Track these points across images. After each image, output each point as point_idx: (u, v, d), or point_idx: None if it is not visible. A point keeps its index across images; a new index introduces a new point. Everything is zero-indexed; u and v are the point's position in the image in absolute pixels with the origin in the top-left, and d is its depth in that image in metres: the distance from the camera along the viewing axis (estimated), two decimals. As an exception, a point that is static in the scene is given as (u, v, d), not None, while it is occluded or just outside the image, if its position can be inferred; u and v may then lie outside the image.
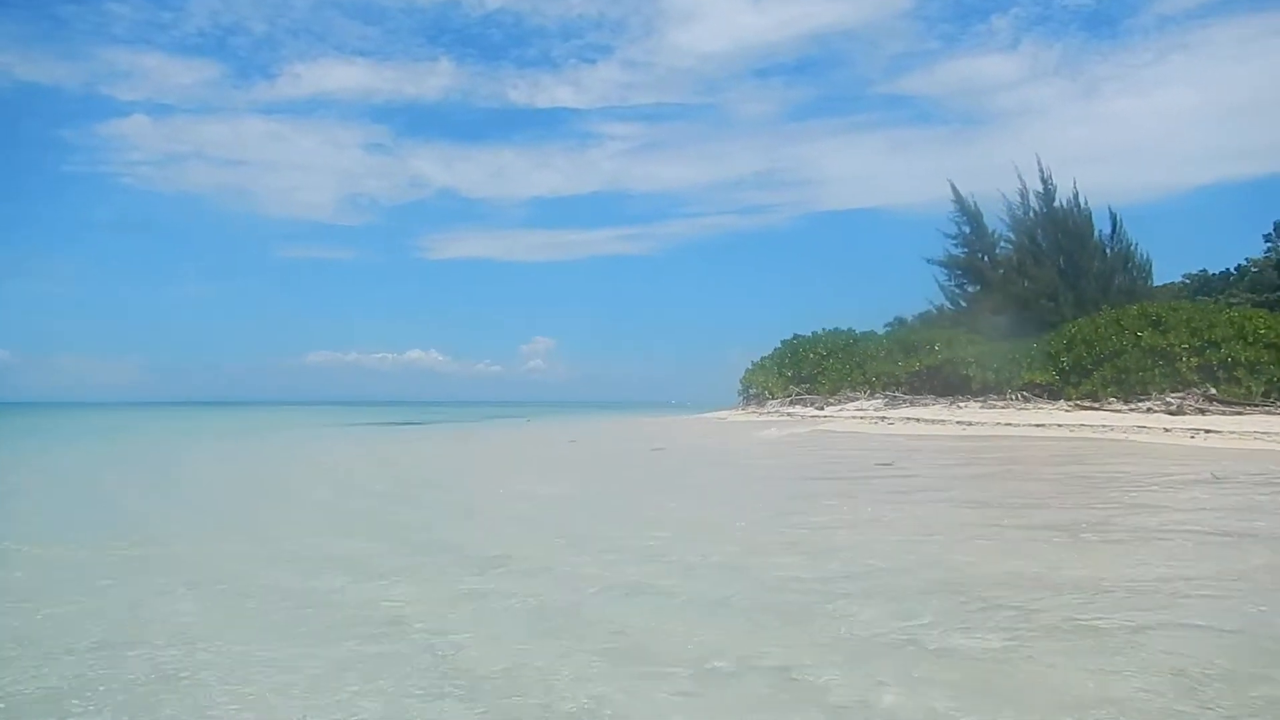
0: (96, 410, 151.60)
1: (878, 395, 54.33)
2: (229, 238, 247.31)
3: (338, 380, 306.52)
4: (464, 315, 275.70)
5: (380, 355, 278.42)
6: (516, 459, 29.32)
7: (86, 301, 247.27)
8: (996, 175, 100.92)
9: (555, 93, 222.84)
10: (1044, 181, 61.30)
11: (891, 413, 47.47)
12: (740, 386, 79.67)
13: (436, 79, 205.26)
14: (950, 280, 68.18)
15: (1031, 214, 62.78)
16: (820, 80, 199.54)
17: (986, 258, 66.69)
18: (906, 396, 51.52)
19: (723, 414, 68.10)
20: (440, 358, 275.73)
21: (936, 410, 45.29)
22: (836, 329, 69.47)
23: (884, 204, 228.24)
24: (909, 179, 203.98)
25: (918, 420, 41.06)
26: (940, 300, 68.63)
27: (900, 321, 74.28)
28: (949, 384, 53.08)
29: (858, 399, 55.10)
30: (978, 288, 66.95)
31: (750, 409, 64.87)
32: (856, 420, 44.99)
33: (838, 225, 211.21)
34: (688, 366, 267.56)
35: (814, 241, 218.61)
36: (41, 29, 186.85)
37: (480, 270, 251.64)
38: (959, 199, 66.48)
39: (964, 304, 66.98)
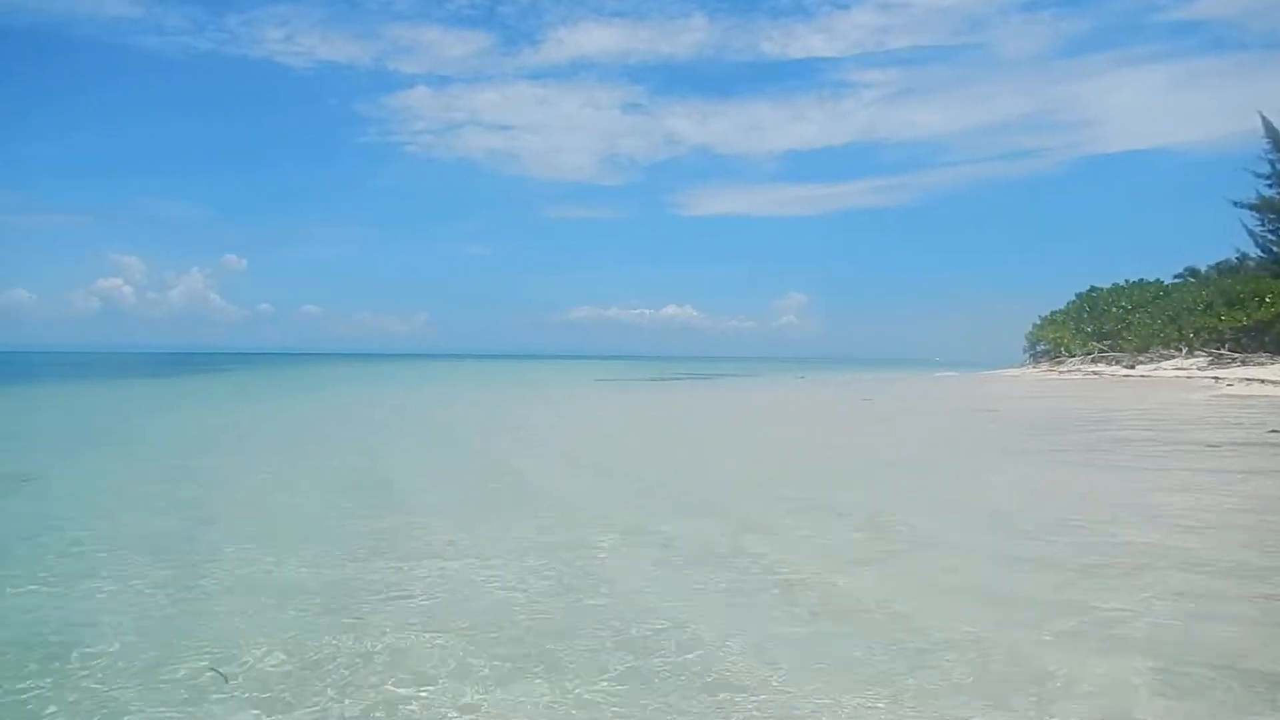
0: (394, 360, 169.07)
1: (1197, 353, 50.52)
2: (500, 199, 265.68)
3: (598, 335, 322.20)
4: (717, 271, 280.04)
5: (639, 311, 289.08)
6: (849, 420, 28.63)
7: (380, 261, 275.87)
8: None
9: (808, 42, 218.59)
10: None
11: (1223, 372, 44.13)
12: (1027, 343, 76.31)
13: (690, 35, 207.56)
14: (1263, 225, 61.28)
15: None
16: (1096, 9, 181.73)
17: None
18: (1236, 354, 47.60)
19: (1013, 371, 65.67)
20: (694, 313, 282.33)
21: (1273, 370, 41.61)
22: (1142, 280, 64.80)
23: (1168, 144, 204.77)
24: (1198, 115, 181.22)
25: (1262, 381, 38.00)
26: (1249, 248, 62.05)
27: (1192, 272, 67.11)
28: (1287, 339, 48.52)
29: (1173, 356, 51.52)
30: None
31: (1044, 367, 62.25)
32: (1188, 378, 42.28)
33: (1115, 168, 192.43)
34: (949, 322, 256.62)
35: (1088, 187, 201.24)
36: (337, 10, 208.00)
37: (733, 226, 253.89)
38: (1272, 133, 59.34)
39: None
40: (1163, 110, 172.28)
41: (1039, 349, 69.19)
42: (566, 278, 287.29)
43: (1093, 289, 67.36)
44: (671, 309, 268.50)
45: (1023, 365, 72.86)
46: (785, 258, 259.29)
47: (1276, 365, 42.44)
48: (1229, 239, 64.02)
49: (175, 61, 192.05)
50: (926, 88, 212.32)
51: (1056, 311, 71.86)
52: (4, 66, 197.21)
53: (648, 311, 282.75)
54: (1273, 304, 49.14)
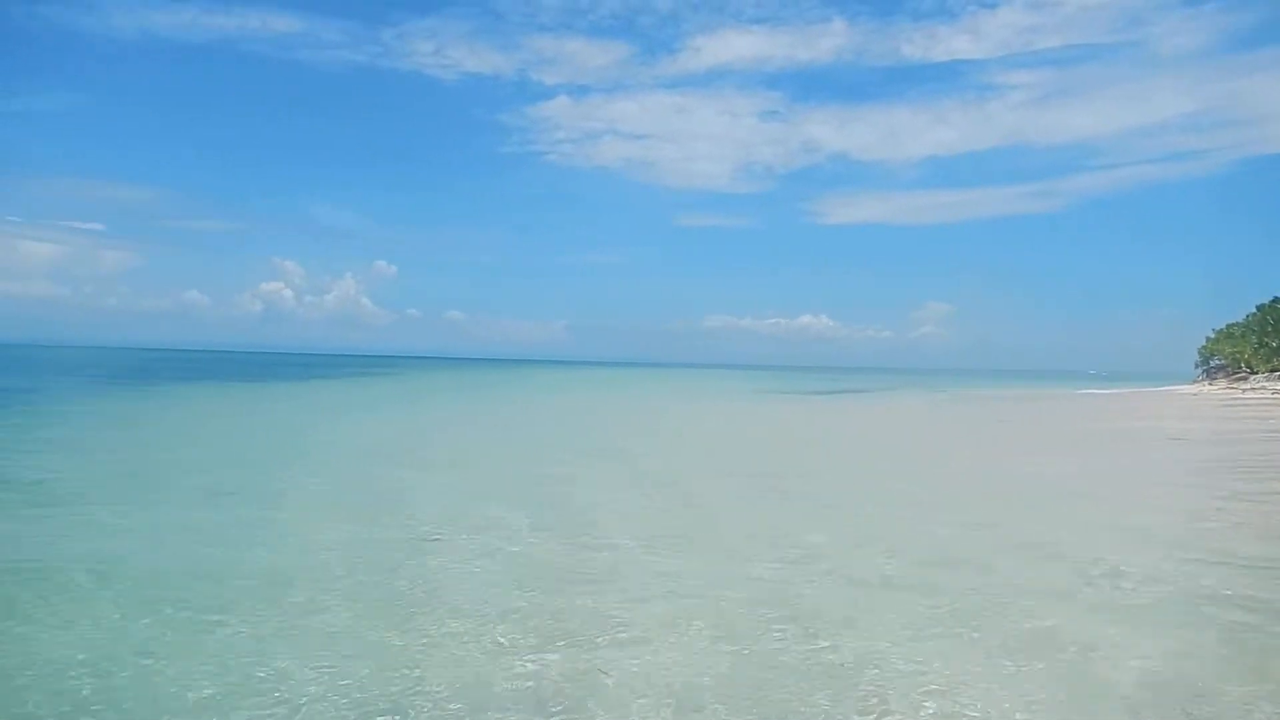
0: (538, 366, 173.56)
1: None
2: (635, 208, 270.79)
3: (731, 344, 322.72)
4: (854, 280, 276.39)
5: (773, 320, 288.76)
6: (1055, 447, 27.77)
7: (520, 268, 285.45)
8: None
9: (951, 44, 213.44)
10: None
11: None
12: (1200, 357, 72.67)
13: (830, 40, 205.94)
14: None
15: None
16: (1262, 2, 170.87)
17: None
18: None
19: (1187, 389, 62.55)
20: (830, 323, 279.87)
21: None
22: None
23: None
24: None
25: None
26: None
27: None
28: None
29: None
30: None
31: (1221, 384, 59.18)
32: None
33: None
34: (1102, 333, 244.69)
35: (1255, 189, 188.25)
36: (484, 23, 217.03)
37: (871, 234, 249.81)
38: None
39: None
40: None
41: (1213, 364, 65.83)
42: (700, 287, 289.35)
43: (1277, 300, 63.58)
44: (806, 318, 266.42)
45: (1196, 381, 69.36)
46: (924, 266, 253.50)
47: None
48: None
49: (333, 74, 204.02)
50: (1079, 88, 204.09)
51: (1234, 324, 68.08)
52: (178, 81, 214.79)
53: (782, 321, 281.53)
54: None
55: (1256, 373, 56.77)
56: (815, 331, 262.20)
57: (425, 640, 6.82)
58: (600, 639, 6.86)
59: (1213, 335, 70.49)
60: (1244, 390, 51.99)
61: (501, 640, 6.81)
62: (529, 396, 53.23)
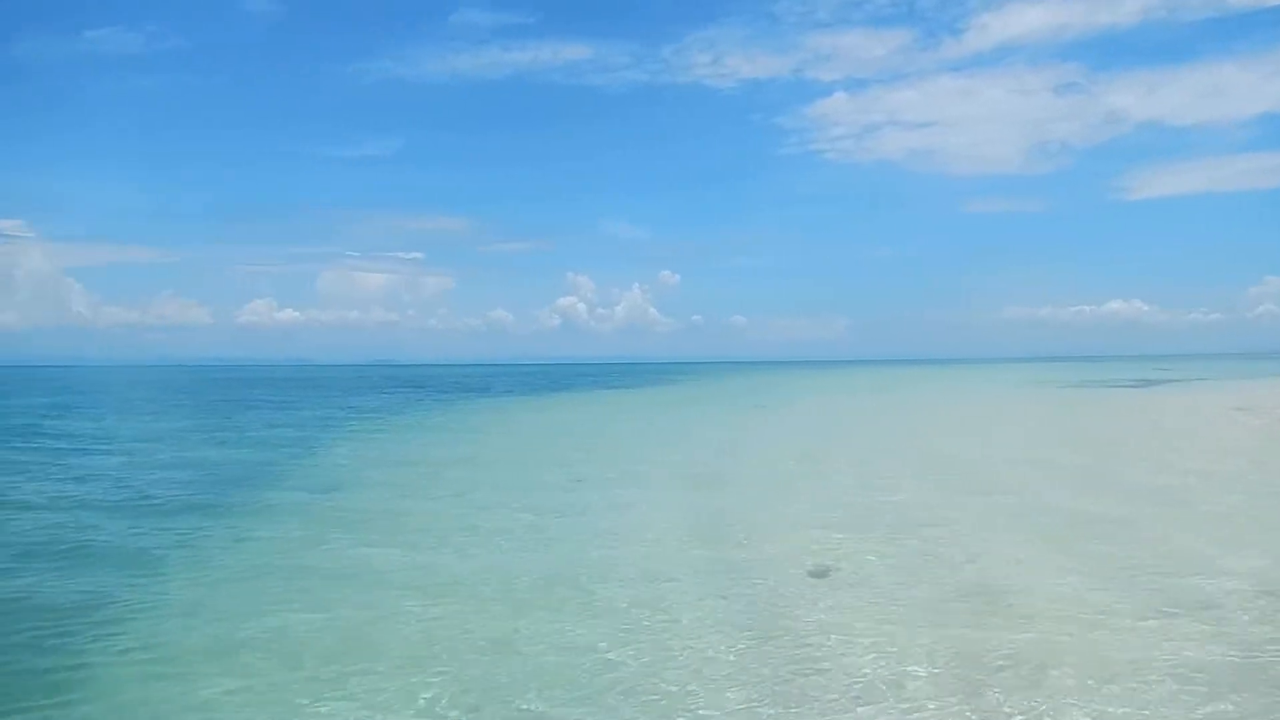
0: (827, 367, 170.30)
1: None
2: (918, 199, 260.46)
3: (1032, 335, 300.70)
4: (1172, 259, 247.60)
5: (1076, 308, 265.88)
6: None
7: (800, 270, 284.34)
8: None
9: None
10: None
11: None
12: None
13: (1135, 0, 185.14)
14: None
15: None
16: None
17: None
18: None
19: None
20: (1144, 307, 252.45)
21: None
22: None
23: None
24: None
25: None
26: None
27: None
28: None
29: None
30: None
31: None
32: None
33: None
34: None
35: None
36: (760, 27, 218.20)
37: (1191, 206, 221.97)
38: None
39: None
40: None
41: None
42: (992, 276, 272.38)
43: None
44: (1116, 304, 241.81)
45: None
46: (1261, 237, 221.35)
47: None
48: None
49: (619, 95, 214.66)
50: None
51: None
52: (483, 116, 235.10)
53: (1087, 308, 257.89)
54: None
55: None
56: (1127, 317, 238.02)
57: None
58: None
59: None
60: None
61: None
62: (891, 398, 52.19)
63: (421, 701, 6.52)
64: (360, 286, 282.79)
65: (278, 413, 41.95)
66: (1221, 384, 56.63)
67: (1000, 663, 6.94)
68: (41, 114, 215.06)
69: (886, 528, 12.44)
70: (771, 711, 6.21)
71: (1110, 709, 6.08)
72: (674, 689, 6.63)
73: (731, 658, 7.27)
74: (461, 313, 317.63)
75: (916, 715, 6.08)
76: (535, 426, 36.03)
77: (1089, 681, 6.51)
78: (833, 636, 7.69)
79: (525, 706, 6.37)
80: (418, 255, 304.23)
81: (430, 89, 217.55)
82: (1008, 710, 6.12)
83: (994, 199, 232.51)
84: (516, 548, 11.70)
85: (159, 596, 9.46)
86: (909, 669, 6.91)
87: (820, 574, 9.76)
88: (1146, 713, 6.00)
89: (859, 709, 6.21)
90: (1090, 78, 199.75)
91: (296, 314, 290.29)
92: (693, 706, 6.33)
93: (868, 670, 6.95)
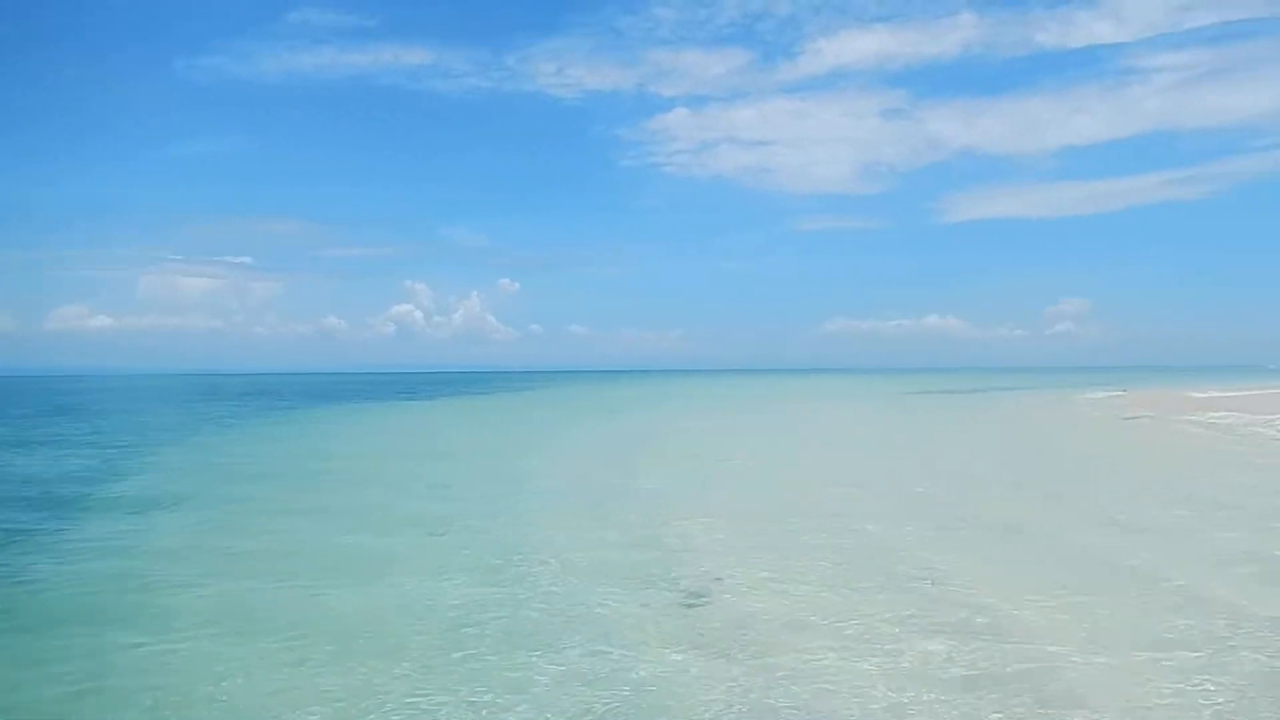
0: (663, 376, 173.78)
1: None
2: (754, 215, 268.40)
3: (854, 348, 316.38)
4: (984, 279, 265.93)
5: (896, 322, 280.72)
6: None
7: (639, 280, 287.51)
8: None
9: (1091, 29, 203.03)
10: None
11: None
12: None
13: (957, 33, 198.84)
14: None
15: None
16: None
17: None
18: None
19: None
20: (958, 323, 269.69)
21: None
22: None
23: None
24: None
25: None
26: None
27: None
28: None
29: None
30: None
31: None
32: None
33: None
34: (1269, 323, 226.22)
35: None
36: (604, 40, 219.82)
37: (1002, 230, 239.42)
38: None
39: None
40: None
41: None
42: (821, 291, 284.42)
43: None
44: (933, 319, 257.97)
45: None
46: (1059, 262, 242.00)
47: None
48: None
49: (460, 101, 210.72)
50: (1235, 67, 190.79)
51: None
52: (319, 119, 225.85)
53: (906, 322, 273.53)
54: None
55: None
56: (942, 333, 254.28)
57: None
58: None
59: None
60: None
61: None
62: (743, 406, 53.15)
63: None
64: (183, 292, 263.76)
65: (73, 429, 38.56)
66: (1072, 392, 61.58)
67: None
68: None
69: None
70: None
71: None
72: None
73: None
74: (291, 320, 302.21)
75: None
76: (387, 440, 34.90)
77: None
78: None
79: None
80: (246, 260, 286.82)
81: (265, 88, 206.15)
82: None
83: (825, 217, 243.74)
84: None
85: None
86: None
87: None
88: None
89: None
90: (915, 104, 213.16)
91: (111, 321, 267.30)
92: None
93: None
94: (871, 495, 16.49)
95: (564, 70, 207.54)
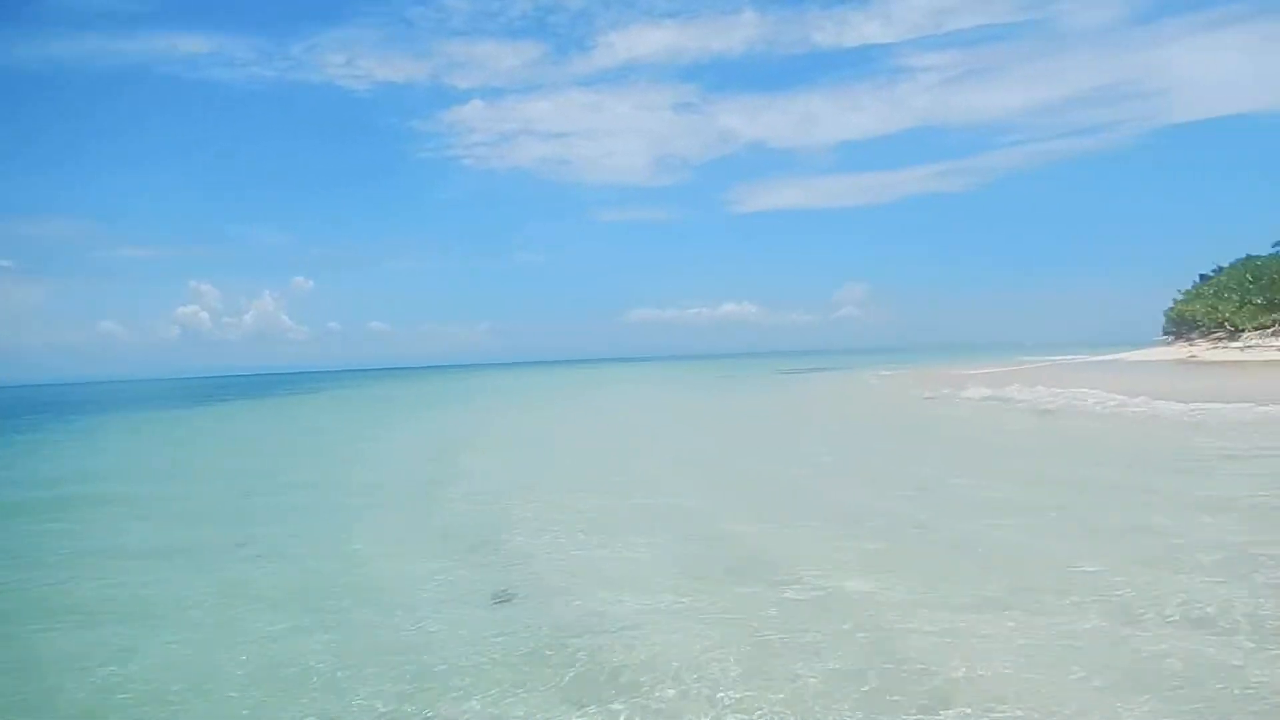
0: (474, 371, 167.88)
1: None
2: (555, 206, 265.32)
3: (656, 336, 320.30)
4: (775, 266, 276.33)
5: (696, 310, 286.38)
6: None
7: (442, 274, 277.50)
8: None
9: (862, 29, 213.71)
10: None
11: None
12: (1169, 320, 72.05)
13: (741, 30, 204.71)
14: None
15: None
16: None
17: None
18: None
19: (1166, 351, 61.73)
20: (753, 309, 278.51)
21: None
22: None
23: (1255, 108, 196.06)
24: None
25: None
26: None
27: None
28: None
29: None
30: None
31: (1208, 343, 58.29)
32: None
33: (1195, 138, 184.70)
34: (1027, 304, 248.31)
35: (1166, 159, 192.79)
36: (395, 31, 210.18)
37: (790, 220, 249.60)
38: None
39: None
40: (1244, 75, 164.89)
41: (1192, 324, 65.17)
42: (623, 281, 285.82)
43: (1250, 258, 63.48)
44: (729, 306, 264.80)
45: (1163, 342, 68.85)
46: (844, 249, 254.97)
47: None
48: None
49: (245, 92, 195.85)
50: (989, 68, 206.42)
51: (1204, 285, 67.84)
52: (92, 107, 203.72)
53: (705, 310, 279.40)
54: None
55: (1243, 330, 56.11)
56: (739, 318, 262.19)
57: None
58: None
59: (1183, 297, 70.31)
60: (1243, 348, 51.12)
61: None
62: (552, 401, 49.56)
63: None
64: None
65: None
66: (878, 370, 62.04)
67: None
68: None
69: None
70: None
71: None
72: None
73: None
74: (61, 327, 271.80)
75: None
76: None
77: None
78: None
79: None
80: (6, 264, 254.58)
81: (23, 76, 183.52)
82: None
83: (624, 208, 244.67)
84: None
85: None
86: None
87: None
88: None
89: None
90: (705, 99, 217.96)
91: None
92: None
93: None
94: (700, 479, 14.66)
95: (354, 61, 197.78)
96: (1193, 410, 22.14)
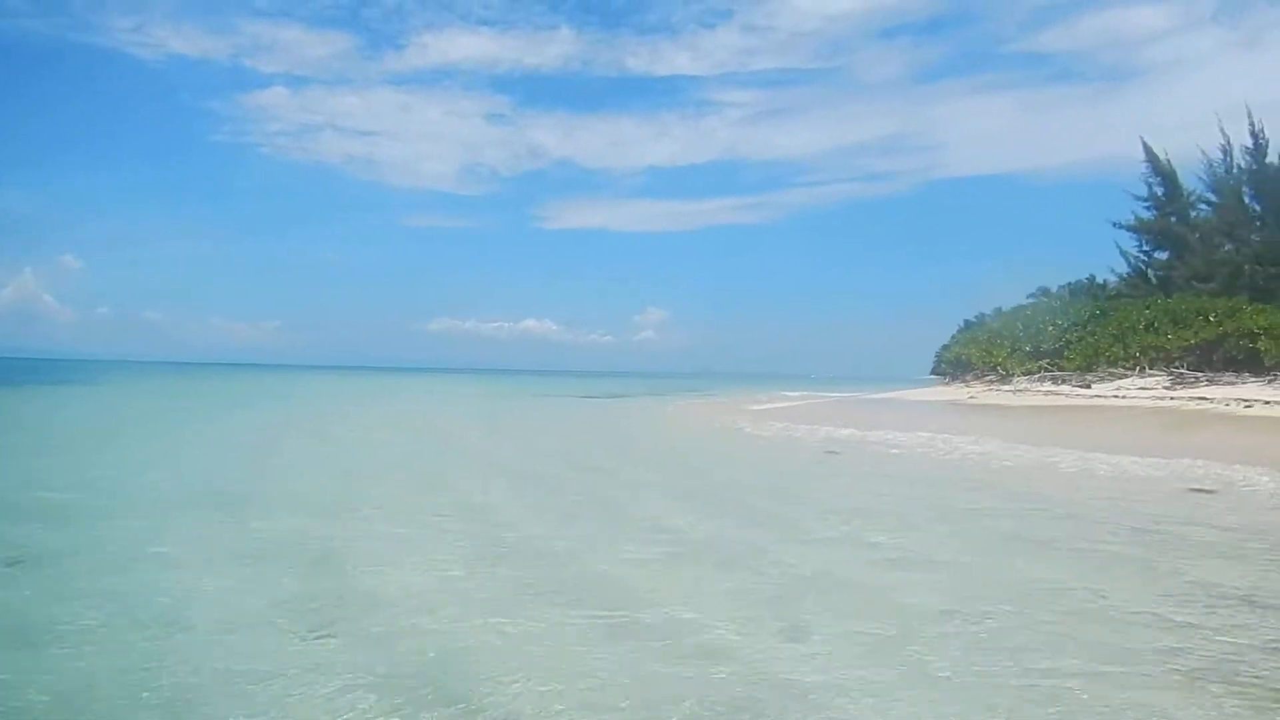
0: (251, 370, 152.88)
1: (1151, 373, 50.65)
2: (357, 206, 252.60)
3: (456, 347, 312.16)
4: (578, 285, 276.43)
5: (497, 324, 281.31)
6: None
7: (231, 266, 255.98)
8: (1157, 133, 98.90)
9: (674, 60, 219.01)
10: (1254, 135, 56.30)
11: (1184, 392, 44.01)
12: (940, 361, 75.65)
13: (557, 47, 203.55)
14: (1140, 246, 66.02)
15: (1236, 170, 58.31)
16: (951, 38, 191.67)
17: (1176, 219, 62.70)
18: (1198, 374, 47.87)
19: (941, 392, 64.73)
20: (554, 327, 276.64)
21: (1252, 389, 41.57)
22: (1078, 295, 66.39)
23: (1015, 169, 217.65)
24: (1043, 142, 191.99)
25: (1266, 402, 37.50)
26: (1121, 268, 67.03)
27: (1045, 292, 71.86)
28: (1230, 359, 49.25)
29: (1124, 376, 51.48)
30: (1167, 254, 63.63)
31: (983, 385, 61.37)
32: (1171, 401, 41.57)
33: (963, 192, 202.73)
34: (815, 337, 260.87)
35: (938, 209, 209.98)
36: (192, 3, 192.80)
37: (595, 240, 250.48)
38: (1152, 157, 63.04)
39: (1152, 271, 64.49)
40: (1010, 136, 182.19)
41: (964, 366, 68.71)
42: (424, 289, 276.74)
43: (1019, 306, 68.13)
44: (530, 322, 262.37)
45: (939, 382, 72.43)
46: (646, 273, 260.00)
47: (1256, 385, 42.49)
48: (1083, 260, 70.64)
49: (15, 45, 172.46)
50: (788, 109, 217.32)
51: (975, 328, 71.91)
52: None
53: (506, 324, 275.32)
54: (1219, 323, 49.95)
55: (1013, 375, 59.50)
56: (539, 335, 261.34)
57: None
58: None
59: (956, 339, 74.28)
60: (1017, 391, 53.87)
61: None
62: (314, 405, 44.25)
63: None
64: None
65: None
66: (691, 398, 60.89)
67: None
68: None
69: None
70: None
71: None
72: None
73: None
74: None
75: None
76: None
77: None
78: None
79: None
80: None
81: None
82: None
83: (430, 214, 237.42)
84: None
85: None
86: None
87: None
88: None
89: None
90: (518, 112, 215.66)
91: None
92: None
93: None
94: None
95: (144, 28, 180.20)
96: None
